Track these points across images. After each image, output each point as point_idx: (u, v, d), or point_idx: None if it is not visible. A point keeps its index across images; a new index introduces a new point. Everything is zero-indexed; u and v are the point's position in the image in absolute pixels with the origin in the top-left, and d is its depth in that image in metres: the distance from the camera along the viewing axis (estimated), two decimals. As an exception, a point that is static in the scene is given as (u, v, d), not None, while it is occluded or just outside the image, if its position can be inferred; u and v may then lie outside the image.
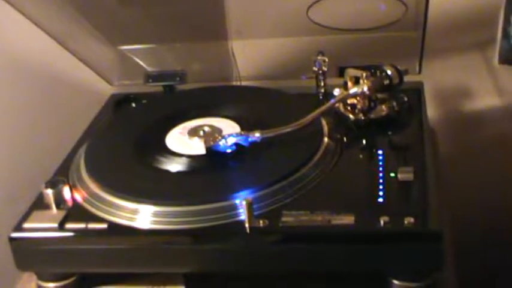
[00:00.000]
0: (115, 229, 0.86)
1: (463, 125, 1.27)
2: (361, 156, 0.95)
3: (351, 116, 1.01)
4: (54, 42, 1.11)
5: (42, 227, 0.87)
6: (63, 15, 1.09)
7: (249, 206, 0.82)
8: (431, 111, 1.14)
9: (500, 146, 1.27)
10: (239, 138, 0.94)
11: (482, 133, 1.28)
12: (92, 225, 0.86)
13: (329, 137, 0.96)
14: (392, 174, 0.88)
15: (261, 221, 0.83)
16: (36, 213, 0.89)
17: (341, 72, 1.08)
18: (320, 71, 1.09)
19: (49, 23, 1.08)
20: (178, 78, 1.18)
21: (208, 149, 0.94)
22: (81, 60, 1.16)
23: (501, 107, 1.25)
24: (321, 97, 1.09)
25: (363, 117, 1.00)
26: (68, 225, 0.87)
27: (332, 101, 1.00)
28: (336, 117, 1.01)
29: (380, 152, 0.93)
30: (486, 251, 1.28)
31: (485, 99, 1.25)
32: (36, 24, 1.07)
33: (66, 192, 0.91)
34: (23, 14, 1.05)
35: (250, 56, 1.19)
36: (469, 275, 0.94)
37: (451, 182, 1.10)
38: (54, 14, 1.09)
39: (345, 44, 1.10)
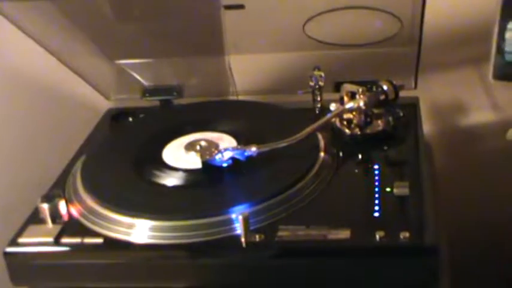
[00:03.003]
0: (111, 244, 0.86)
1: (458, 140, 1.28)
2: (357, 171, 0.95)
3: (347, 130, 1.01)
4: (51, 56, 1.11)
5: (38, 241, 0.87)
6: (61, 30, 1.09)
7: (246, 220, 0.82)
8: (427, 126, 1.14)
9: (495, 161, 1.27)
10: (235, 152, 0.93)
11: (477, 148, 1.28)
12: (88, 240, 0.86)
13: (325, 152, 0.96)
14: (388, 189, 0.88)
15: (257, 236, 0.83)
16: (31, 228, 0.89)
17: (337, 88, 1.08)
18: (316, 86, 1.09)
19: (46, 38, 1.08)
20: (175, 93, 1.18)
21: (204, 163, 0.94)
22: (78, 74, 1.15)
23: (496, 122, 1.25)
24: (317, 112, 1.10)
25: (359, 132, 1.01)
26: (64, 240, 0.87)
27: (328, 115, 1.00)
28: (332, 132, 1.01)
29: (376, 166, 0.94)
30: (482, 266, 1.28)
31: (480, 115, 1.25)
32: (33, 38, 1.07)
33: (62, 206, 0.90)
34: (20, 28, 1.05)
35: (247, 71, 1.19)
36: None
37: (446, 197, 1.10)
38: (52, 29, 1.08)
39: (341, 59, 1.11)
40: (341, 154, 0.98)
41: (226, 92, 1.19)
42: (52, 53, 1.11)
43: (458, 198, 1.24)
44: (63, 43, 1.11)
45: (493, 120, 1.25)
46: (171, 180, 0.95)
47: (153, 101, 1.19)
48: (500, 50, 1.00)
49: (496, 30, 0.99)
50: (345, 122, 1.02)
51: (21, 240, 0.88)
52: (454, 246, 0.97)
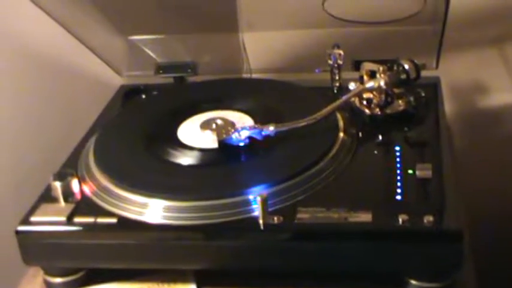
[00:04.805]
0: (125, 224, 0.84)
1: (479, 122, 1.25)
2: (377, 152, 0.93)
3: (366, 110, 0.99)
4: (64, 31, 1.09)
5: (50, 220, 0.85)
6: (74, 4, 1.08)
7: (264, 202, 0.80)
8: (447, 107, 1.12)
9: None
10: (253, 131, 0.91)
11: (498, 130, 1.26)
12: (101, 220, 0.84)
13: (344, 132, 0.94)
14: (410, 171, 0.86)
15: (275, 218, 0.81)
16: (43, 207, 0.87)
17: (356, 66, 1.06)
18: (335, 65, 1.06)
19: (59, 12, 1.06)
20: (189, 70, 1.16)
21: (221, 142, 0.92)
22: (90, 50, 1.14)
23: (517, 104, 1.23)
24: (335, 91, 1.07)
25: (379, 112, 0.98)
26: (77, 219, 0.85)
27: (348, 95, 0.97)
28: (352, 112, 0.99)
29: (397, 148, 0.91)
30: (503, 250, 1.26)
31: (502, 96, 1.23)
32: (46, 12, 1.05)
33: (75, 185, 0.89)
34: (33, 1, 1.03)
35: (262, 49, 1.16)
36: (486, 276, 0.92)
37: (465, 179, 1.08)
38: (65, 2, 1.06)
39: (361, 37, 1.08)
40: (361, 135, 0.96)
41: (240, 70, 1.17)
42: (65, 28, 1.09)
43: (477, 181, 1.22)
44: (76, 18, 1.10)
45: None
46: (186, 159, 0.93)
47: (166, 78, 1.17)
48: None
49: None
50: (364, 102, 1.00)
51: (33, 218, 0.86)
52: (475, 229, 0.94)
